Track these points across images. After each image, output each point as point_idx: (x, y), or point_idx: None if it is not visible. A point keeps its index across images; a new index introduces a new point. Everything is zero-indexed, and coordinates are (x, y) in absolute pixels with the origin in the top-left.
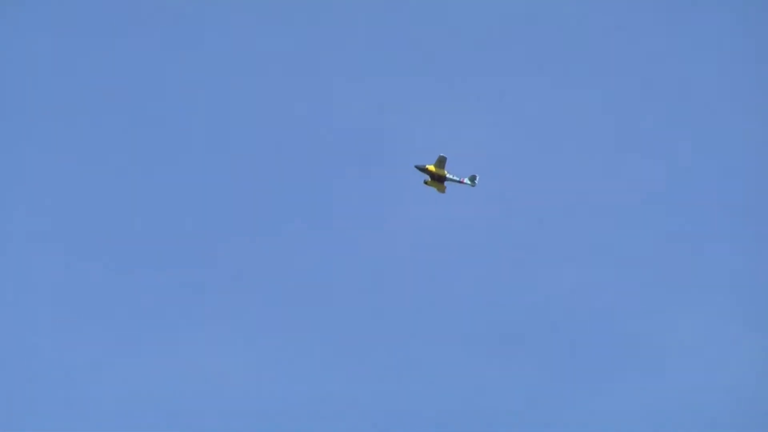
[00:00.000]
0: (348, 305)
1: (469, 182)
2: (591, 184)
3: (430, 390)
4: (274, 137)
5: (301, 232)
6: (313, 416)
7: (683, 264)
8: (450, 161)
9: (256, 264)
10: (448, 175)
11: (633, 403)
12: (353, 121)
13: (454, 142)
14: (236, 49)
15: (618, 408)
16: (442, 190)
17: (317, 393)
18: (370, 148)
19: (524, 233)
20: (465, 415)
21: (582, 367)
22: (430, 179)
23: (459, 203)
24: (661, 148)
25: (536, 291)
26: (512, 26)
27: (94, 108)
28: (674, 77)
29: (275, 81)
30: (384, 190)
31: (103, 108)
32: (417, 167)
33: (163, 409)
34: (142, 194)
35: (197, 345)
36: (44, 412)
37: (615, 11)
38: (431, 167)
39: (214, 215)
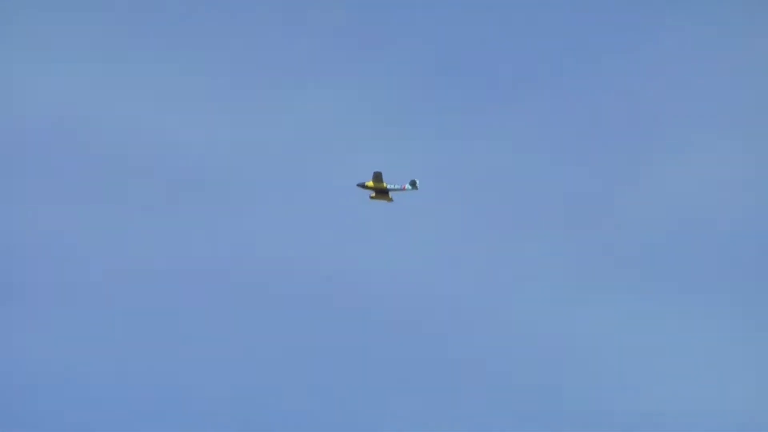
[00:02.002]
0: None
1: (410, 187)
2: None
3: None
4: None
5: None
6: None
7: None
8: (386, 171)
9: None
10: (388, 186)
11: None
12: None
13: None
14: None
15: None
16: (389, 200)
17: None
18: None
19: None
20: None
21: None
22: (374, 194)
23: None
24: None
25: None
26: None
27: None
28: None
29: None
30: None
31: None
32: (359, 185)
33: None
34: None
35: None
36: None
37: None
38: (370, 183)
39: None
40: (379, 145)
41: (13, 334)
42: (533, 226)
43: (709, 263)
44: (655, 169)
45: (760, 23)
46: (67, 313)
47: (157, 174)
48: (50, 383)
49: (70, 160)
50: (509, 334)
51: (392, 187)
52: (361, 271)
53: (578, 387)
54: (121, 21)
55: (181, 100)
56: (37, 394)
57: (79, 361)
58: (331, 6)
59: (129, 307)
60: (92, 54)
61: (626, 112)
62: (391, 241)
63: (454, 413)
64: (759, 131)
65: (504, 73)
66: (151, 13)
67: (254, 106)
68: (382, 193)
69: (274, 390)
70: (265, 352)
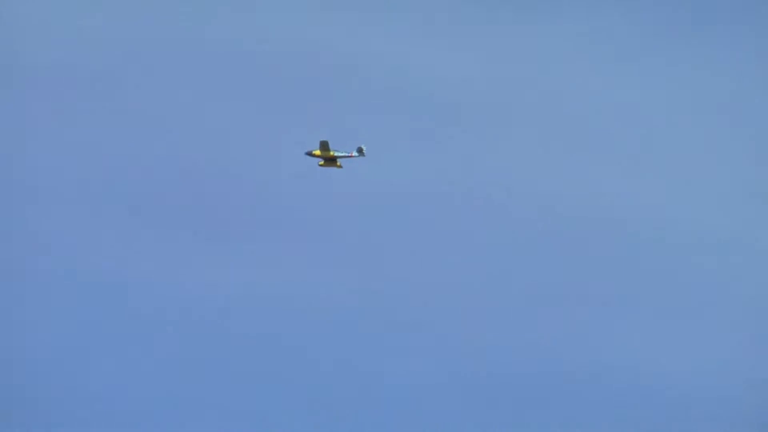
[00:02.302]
0: None
1: (357, 154)
2: None
3: None
4: None
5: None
6: None
7: None
8: (333, 137)
9: None
10: (335, 154)
11: None
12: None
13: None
14: None
15: None
16: (338, 166)
17: None
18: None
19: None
20: None
21: None
22: (323, 161)
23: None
24: None
25: None
26: None
27: None
28: None
29: None
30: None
31: None
32: (306, 154)
33: None
34: None
35: None
36: None
37: None
38: (317, 152)
39: None
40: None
41: None
42: None
43: None
44: None
45: None
46: None
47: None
48: None
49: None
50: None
51: (340, 154)
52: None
53: None
54: None
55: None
56: None
57: None
58: None
59: None
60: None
61: None
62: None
63: None
64: None
65: None
66: None
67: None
68: (329, 160)
69: None
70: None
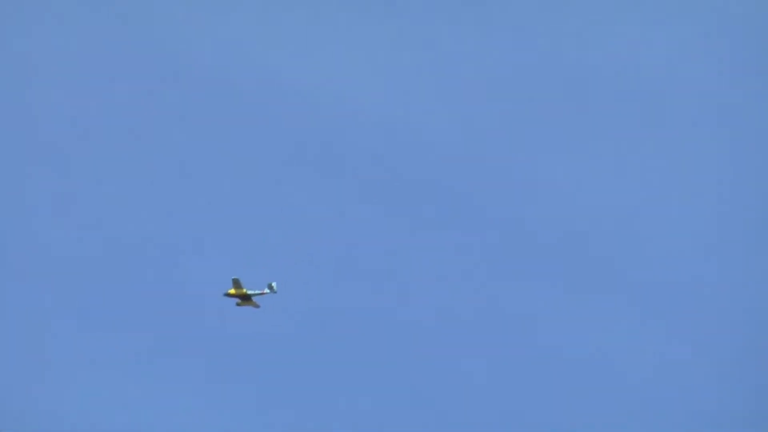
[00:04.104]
0: None
1: (269, 291)
2: None
3: None
4: None
5: None
6: None
7: None
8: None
9: None
10: (249, 292)
11: None
12: None
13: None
14: None
15: None
16: (255, 305)
17: None
18: None
19: None
20: None
21: None
22: (240, 300)
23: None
24: None
25: None
26: None
27: None
28: None
29: None
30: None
31: None
32: (225, 295)
33: None
34: None
35: None
36: None
37: None
38: (232, 291)
39: None
40: None
41: None
42: None
43: None
44: None
45: None
46: None
47: None
48: None
49: None
50: None
51: (252, 292)
52: None
53: None
54: None
55: None
56: None
57: None
58: None
59: None
60: None
61: None
62: None
63: None
64: None
65: None
66: None
67: None
68: (245, 299)
69: None
70: None
